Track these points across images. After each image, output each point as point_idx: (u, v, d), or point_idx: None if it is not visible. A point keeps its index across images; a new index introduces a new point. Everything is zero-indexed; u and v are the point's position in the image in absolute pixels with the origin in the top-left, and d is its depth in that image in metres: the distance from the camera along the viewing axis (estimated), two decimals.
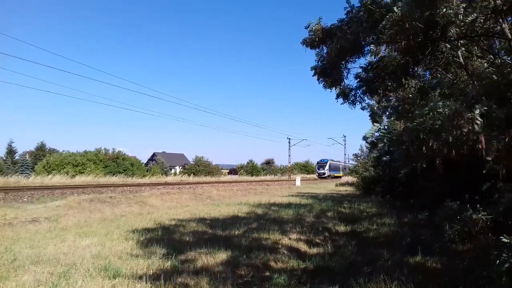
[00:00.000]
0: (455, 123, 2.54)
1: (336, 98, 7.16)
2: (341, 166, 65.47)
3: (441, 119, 2.56)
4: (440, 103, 2.77)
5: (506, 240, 2.69)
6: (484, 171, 2.81)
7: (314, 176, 61.73)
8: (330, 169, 59.31)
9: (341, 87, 6.87)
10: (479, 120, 2.55)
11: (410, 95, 7.15)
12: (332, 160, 62.17)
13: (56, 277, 4.18)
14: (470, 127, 2.53)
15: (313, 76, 6.71)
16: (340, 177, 59.11)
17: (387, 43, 5.49)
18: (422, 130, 2.59)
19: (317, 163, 62.30)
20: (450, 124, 2.54)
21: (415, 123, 2.68)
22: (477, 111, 2.59)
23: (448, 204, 3.36)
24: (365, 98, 7.26)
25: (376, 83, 6.34)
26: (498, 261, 2.76)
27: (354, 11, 5.57)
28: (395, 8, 4.12)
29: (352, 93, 6.95)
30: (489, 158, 2.57)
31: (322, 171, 58.52)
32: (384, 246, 6.03)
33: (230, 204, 13.80)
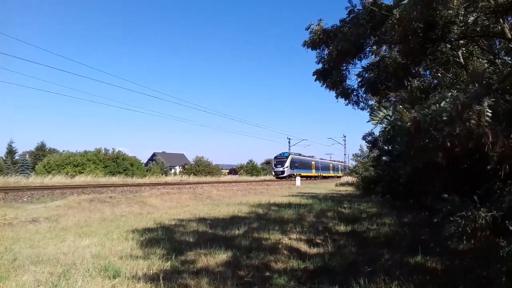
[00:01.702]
0: (463, 115, 2.48)
1: (336, 98, 7.15)
2: (313, 162, 51.26)
3: (449, 110, 2.52)
4: (449, 93, 2.72)
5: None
6: (488, 167, 2.79)
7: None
8: (293, 166, 42.90)
9: (342, 88, 6.86)
10: (489, 112, 2.49)
11: (412, 95, 7.15)
12: (299, 155, 47.04)
13: (56, 277, 4.18)
14: (479, 120, 2.47)
15: (315, 81, 6.71)
16: (313, 177, 47.33)
17: (388, 43, 5.49)
18: (432, 120, 2.52)
19: (275, 158, 44.35)
20: (458, 115, 2.49)
21: (425, 112, 2.62)
22: (485, 103, 2.53)
23: (450, 199, 3.34)
24: (368, 98, 7.26)
25: (377, 83, 6.34)
26: (497, 262, 2.76)
27: (356, 10, 5.54)
28: (394, 11, 4.12)
29: (354, 93, 6.94)
30: (495, 153, 2.53)
31: (280, 169, 41.74)
32: (384, 246, 6.03)
33: (230, 204, 13.79)
